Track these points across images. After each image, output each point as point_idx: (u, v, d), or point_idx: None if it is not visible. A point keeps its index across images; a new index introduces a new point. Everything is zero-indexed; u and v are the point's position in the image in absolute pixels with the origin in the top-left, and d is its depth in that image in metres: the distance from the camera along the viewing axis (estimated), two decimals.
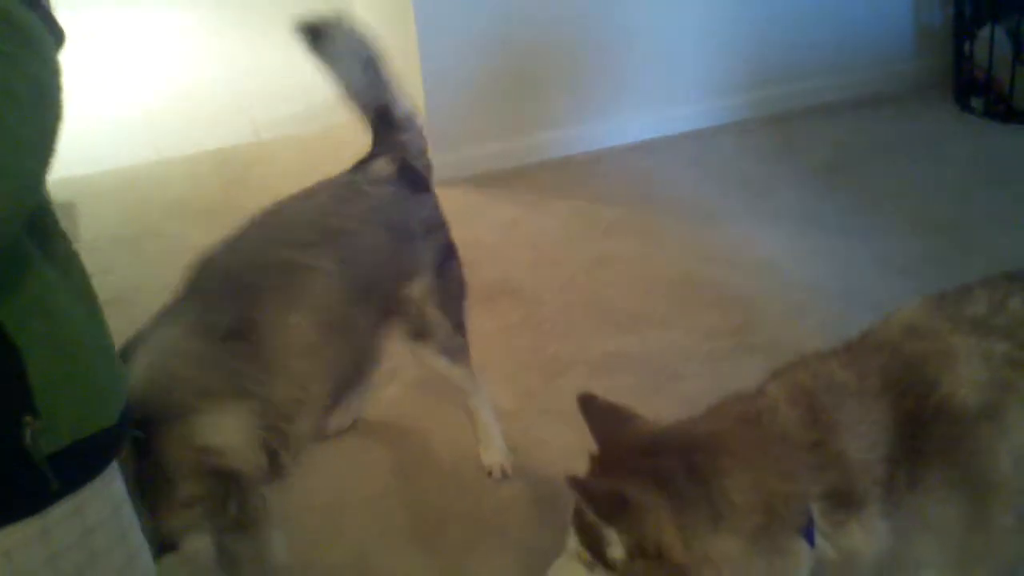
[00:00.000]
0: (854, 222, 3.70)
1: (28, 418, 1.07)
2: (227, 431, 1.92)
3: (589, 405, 1.52)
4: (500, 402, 2.85)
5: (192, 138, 4.52)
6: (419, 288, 2.38)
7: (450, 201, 4.08)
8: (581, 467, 1.49)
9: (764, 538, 1.37)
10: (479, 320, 2.81)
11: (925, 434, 1.42)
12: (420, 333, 2.44)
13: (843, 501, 1.40)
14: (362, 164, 2.45)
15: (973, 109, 4.47)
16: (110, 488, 1.22)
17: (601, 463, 1.48)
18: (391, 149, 2.45)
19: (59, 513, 1.14)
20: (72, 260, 1.20)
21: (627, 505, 1.33)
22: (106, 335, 1.24)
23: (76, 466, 1.15)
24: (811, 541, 1.39)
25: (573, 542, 1.44)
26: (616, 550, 1.37)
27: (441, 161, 4.15)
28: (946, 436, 1.42)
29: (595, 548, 1.40)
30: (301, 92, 5.21)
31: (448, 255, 2.53)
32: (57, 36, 1.10)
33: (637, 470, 1.38)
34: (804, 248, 3.56)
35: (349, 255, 2.17)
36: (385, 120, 2.47)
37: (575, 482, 1.33)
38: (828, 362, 1.48)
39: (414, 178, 2.46)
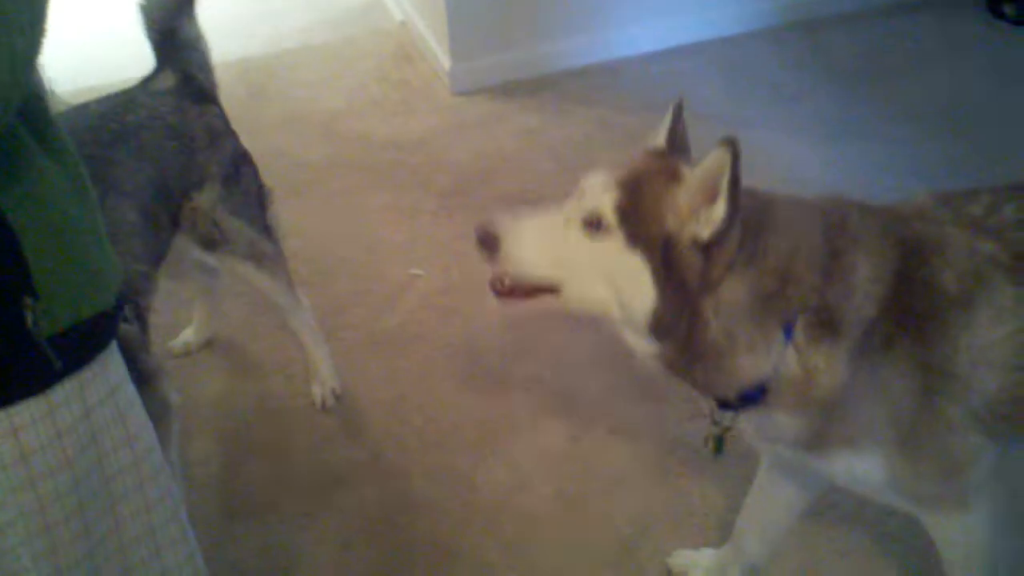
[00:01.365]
0: (882, 129, 3.65)
1: (28, 300, 1.12)
2: None
3: (678, 111, 1.59)
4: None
5: (216, 47, 4.50)
6: (207, 197, 2.38)
7: (471, 110, 4.12)
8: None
9: (762, 306, 1.44)
10: None
11: (908, 304, 1.50)
12: (213, 241, 2.43)
13: (826, 324, 1.47)
14: (145, 80, 2.43)
15: (1005, 15, 4.36)
16: (107, 370, 1.28)
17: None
18: (173, 63, 2.43)
19: (62, 393, 1.20)
20: (66, 149, 1.23)
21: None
22: (99, 222, 1.28)
23: (76, 347, 1.20)
24: (788, 335, 1.47)
25: (583, 211, 1.49)
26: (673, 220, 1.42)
27: (463, 70, 4.14)
28: (923, 313, 1.50)
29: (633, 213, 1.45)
30: (318, 2, 5.19)
31: (239, 163, 2.51)
32: None
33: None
34: (830, 155, 3.52)
35: (141, 156, 2.20)
36: (170, 39, 2.44)
37: (732, 144, 1.36)
38: (862, 214, 1.55)
39: (196, 88, 2.44)
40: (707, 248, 1.40)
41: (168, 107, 2.35)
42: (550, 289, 1.53)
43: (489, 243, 1.53)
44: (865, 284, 1.49)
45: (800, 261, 1.46)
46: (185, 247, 2.40)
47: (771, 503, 1.96)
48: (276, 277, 2.61)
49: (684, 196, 1.43)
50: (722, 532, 2.21)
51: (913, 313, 1.49)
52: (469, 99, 4.11)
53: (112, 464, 1.31)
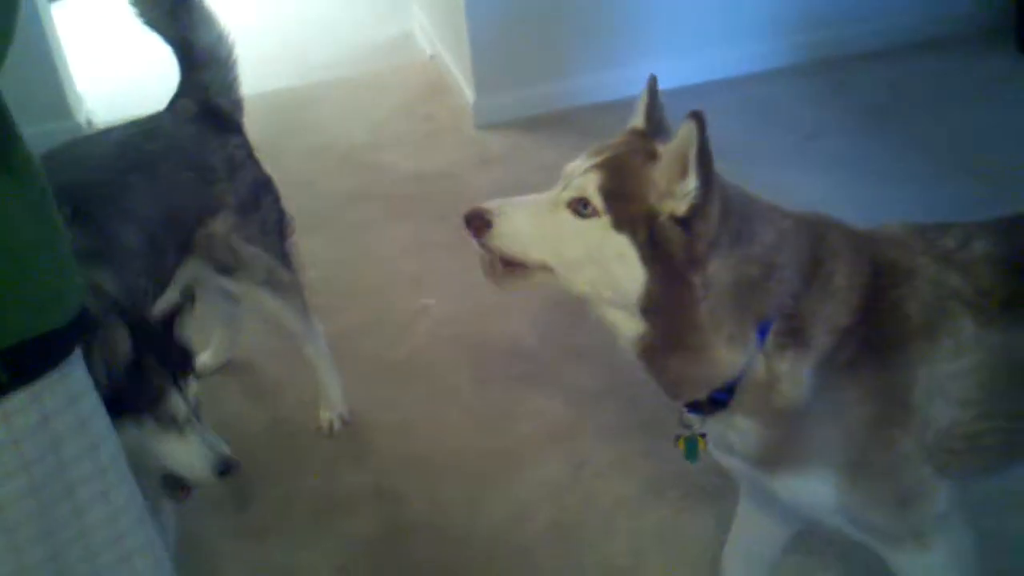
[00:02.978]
0: (905, 168, 3.63)
1: None
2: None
3: (653, 87, 1.65)
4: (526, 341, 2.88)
5: (246, 80, 4.59)
6: (222, 224, 2.43)
7: (494, 144, 4.16)
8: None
9: (745, 295, 1.47)
10: None
11: (874, 326, 1.51)
12: (228, 267, 2.49)
13: (796, 332, 1.50)
14: (170, 103, 2.49)
15: None
16: (67, 380, 1.29)
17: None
18: (193, 89, 2.48)
19: (17, 401, 1.22)
20: (28, 169, 1.25)
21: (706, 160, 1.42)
22: (58, 243, 1.30)
23: (25, 362, 1.22)
24: (761, 336, 1.49)
25: (569, 193, 1.51)
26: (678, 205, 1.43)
27: (487, 104, 4.19)
28: (886, 337, 1.51)
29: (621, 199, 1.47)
30: (351, 35, 5.28)
31: (259, 192, 2.55)
32: None
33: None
34: (852, 193, 3.50)
35: (154, 184, 2.27)
36: (187, 56, 2.49)
37: (698, 116, 1.39)
38: (845, 233, 1.59)
39: (216, 118, 2.48)
40: (687, 222, 1.42)
41: (189, 138, 2.42)
42: (542, 268, 1.55)
43: (478, 223, 1.55)
44: (841, 292, 1.51)
45: (783, 256, 1.49)
46: (201, 272, 2.45)
47: (752, 536, 1.96)
48: (291, 304, 2.66)
49: (660, 173, 1.45)
50: (717, 566, 2.19)
51: (877, 336, 1.51)
52: (492, 133, 4.16)
53: (74, 471, 1.33)
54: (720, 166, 1.59)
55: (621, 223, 1.46)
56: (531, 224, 1.55)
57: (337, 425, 2.75)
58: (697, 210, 1.42)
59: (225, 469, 1.94)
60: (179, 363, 1.96)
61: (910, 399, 1.51)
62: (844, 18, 4.36)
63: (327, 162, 4.10)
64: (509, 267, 1.58)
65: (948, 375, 1.51)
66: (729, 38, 4.30)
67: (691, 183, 1.41)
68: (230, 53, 2.54)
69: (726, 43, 4.30)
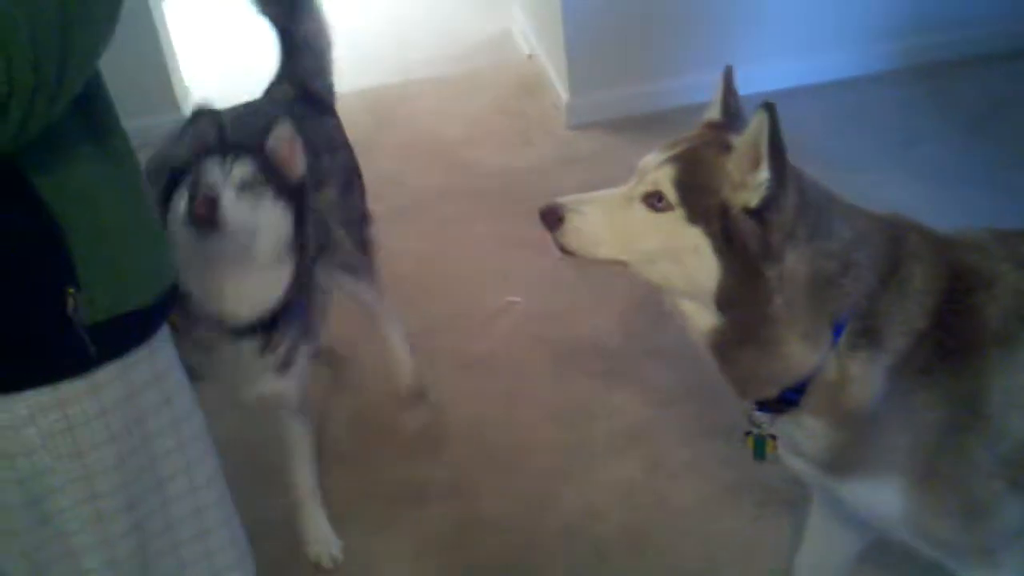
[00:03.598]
0: (1001, 177, 3.52)
1: (71, 290, 1.20)
2: None
3: (729, 78, 1.65)
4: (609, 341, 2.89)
5: (346, 78, 4.68)
6: (324, 200, 2.47)
7: (584, 143, 4.16)
8: None
9: (821, 291, 1.46)
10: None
11: (950, 331, 1.49)
12: (323, 246, 2.50)
13: (870, 333, 1.48)
14: (267, 89, 2.58)
15: None
16: (154, 357, 1.35)
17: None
18: (291, 74, 2.57)
19: (105, 374, 1.27)
20: (127, 158, 1.32)
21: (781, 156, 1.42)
22: (151, 225, 1.37)
23: (115, 337, 1.28)
24: (836, 335, 1.48)
25: (643, 187, 1.52)
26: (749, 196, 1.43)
27: (580, 103, 4.19)
28: (963, 343, 1.49)
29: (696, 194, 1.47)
30: (451, 34, 5.33)
31: (352, 176, 2.62)
32: None
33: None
34: (945, 202, 3.41)
35: None
36: (287, 43, 2.58)
37: (769, 107, 1.40)
38: (924, 236, 1.58)
39: (314, 101, 2.56)
40: (761, 214, 1.42)
41: (292, 117, 2.48)
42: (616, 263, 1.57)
43: (552, 219, 1.56)
44: (919, 295, 1.49)
45: (861, 254, 1.48)
46: None
47: (824, 545, 1.94)
48: (367, 284, 2.76)
49: (733, 165, 1.45)
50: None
51: (954, 342, 1.48)
52: (583, 132, 4.16)
53: (158, 446, 1.39)
54: (812, 171, 1.58)
55: (695, 216, 1.46)
56: (604, 219, 1.56)
57: (417, 394, 2.83)
58: (770, 201, 1.41)
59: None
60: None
61: (984, 408, 1.49)
62: (943, 24, 4.23)
63: (419, 157, 4.15)
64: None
65: None
66: (823, 43, 4.22)
67: (763, 174, 1.41)
68: (329, 42, 2.64)
69: (820, 48, 4.22)
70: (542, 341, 3.04)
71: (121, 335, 1.30)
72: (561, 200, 1.58)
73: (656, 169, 1.52)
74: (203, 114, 2.05)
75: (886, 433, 1.53)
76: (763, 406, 1.60)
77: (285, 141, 2.05)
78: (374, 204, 2.75)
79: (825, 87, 4.20)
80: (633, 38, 4.08)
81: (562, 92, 4.25)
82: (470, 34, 5.28)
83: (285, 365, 2.19)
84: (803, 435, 1.59)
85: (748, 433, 1.70)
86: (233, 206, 1.88)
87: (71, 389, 1.25)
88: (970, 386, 1.49)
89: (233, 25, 5.43)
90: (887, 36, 4.23)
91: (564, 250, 1.59)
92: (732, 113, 1.61)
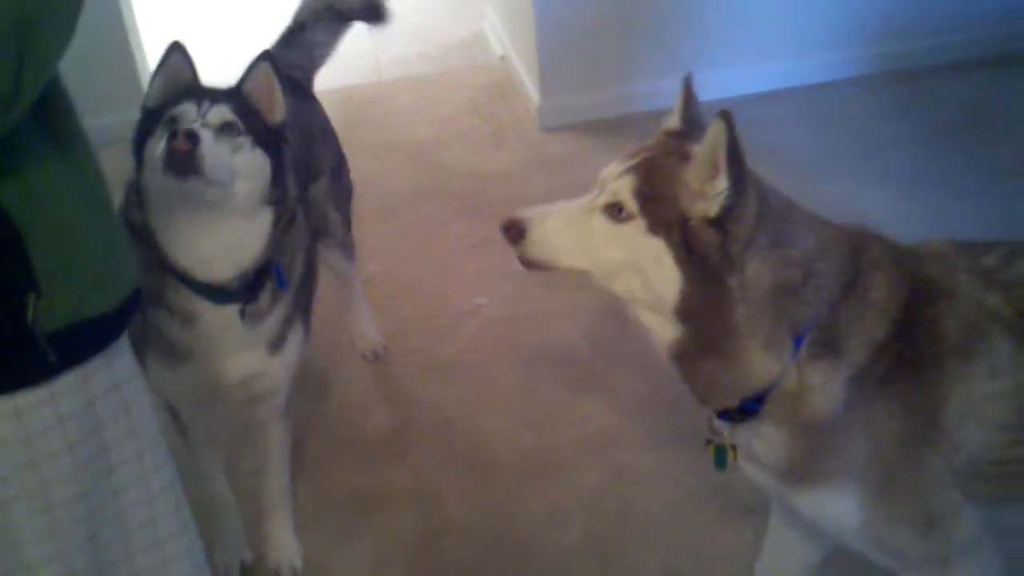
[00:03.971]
0: (972, 185, 3.54)
1: (32, 295, 1.18)
2: None
3: (689, 86, 1.66)
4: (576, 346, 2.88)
5: (320, 78, 4.65)
6: (321, 188, 2.48)
7: (556, 146, 4.14)
8: None
9: (783, 300, 1.46)
10: None
11: (910, 341, 1.50)
12: (321, 231, 2.54)
13: (830, 343, 1.48)
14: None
15: None
16: (112, 364, 1.33)
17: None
18: (280, 54, 2.50)
19: (64, 382, 1.26)
20: (87, 161, 1.30)
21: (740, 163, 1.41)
22: (112, 228, 1.35)
23: (75, 344, 1.26)
24: (796, 344, 1.48)
25: (604, 197, 1.52)
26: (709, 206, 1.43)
27: (551, 106, 4.18)
28: (922, 354, 1.49)
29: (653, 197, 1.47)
30: (424, 34, 5.31)
31: (341, 158, 2.65)
32: None
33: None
34: (915, 210, 3.42)
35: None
36: (296, 31, 2.62)
37: (726, 115, 1.39)
38: (885, 246, 1.58)
39: (296, 87, 2.50)
40: (720, 223, 1.41)
41: (291, 105, 2.45)
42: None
43: (514, 231, 1.56)
44: (879, 304, 1.49)
45: (824, 263, 1.48)
46: None
47: (783, 553, 1.94)
48: (354, 263, 2.87)
49: (692, 174, 1.44)
50: None
51: (913, 352, 1.49)
52: (555, 135, 4.15)
53: (115, 454, 1.37)
54: (782, 176, 1.57)
55: (655, 226, 1.46)
56: (565, 231, 1.56)
57: (379, 352, 2.97)
58: (729, 210, 1.41)
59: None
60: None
61: (942, 419, 1.49)
62: (918, 30, 4.24)
63: (391, 159, 4.12)
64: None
65: (983, 397, 1.48)
66: (798, 47, 4.22)
67: (722, 183, 1.40)
68: (324, 57, 2.72)
69: (794, 52, 4.22)
70: (509, 345, 3.02)
71: (81, 342, 1.28)
72: (522, 213, 1.58)
73: (616, 179, 1.51)
74: (176, 49, 1.94)
75: (844, 443, 1.53)
76: (724, 415, 1.60)
77: (263, 82, 1.94)
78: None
79: (797, 91, 4.21)
80: (605, 41, 4.07)
81: (533, 94, 4.23)
82: (443, 34, 5.26)
83: (277, 341, 2.07)
84: (762, 444, 1.59)
85: (709, 441, 1.70)
86: (211, 149, 1.76)
87: (28, 398, 1.23)
88: (928, 397, 1.50)
89: (203, 17, 5.41)
90: (860, 41, 4.23)
91: (526, 262, 1.59)
92: (691, 121, 1.61)
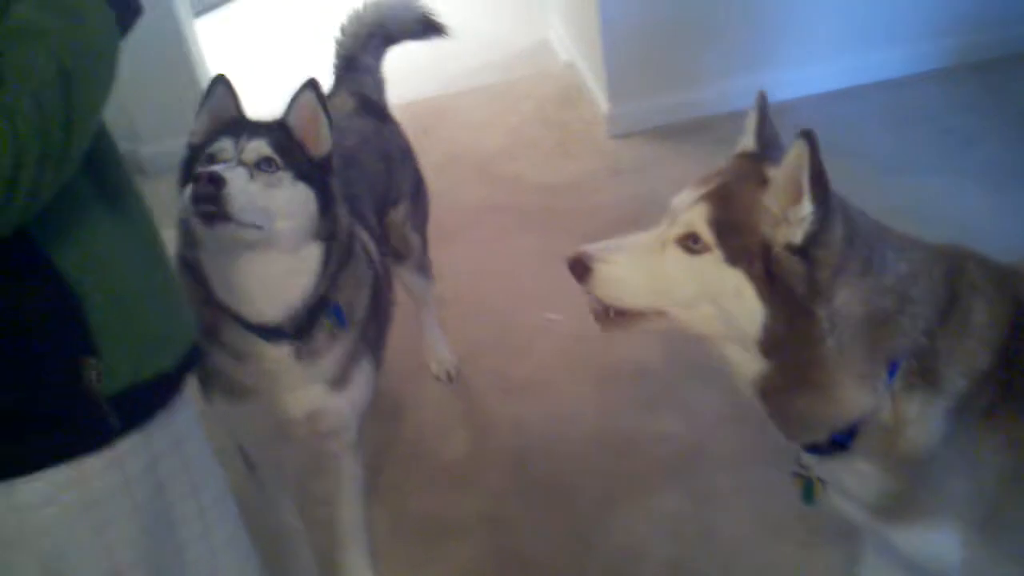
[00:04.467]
0: None
1: (90, 360, 1.17)
2: None
3: (763, 105, 1.54)
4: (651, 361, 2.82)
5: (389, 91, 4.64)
6: (401, 213, 2.46)
7: (627, 153, 4.07)
8: None
9: (876, 330, 1.37)
10: None
11: (1017, 370, 1.40)
12: (402, 254, 2.54)
13: (928, 373, 1.39)
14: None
15: None
16: (174, 421, 1.32)
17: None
18: (347, 85, 2.55)
19: (128, 444, 1.24)
20: (142, 217, 1.29)
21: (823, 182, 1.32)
22: (169, 288, 1.34)
23: (137, 405, 1.24)
24: (890, 375, 1.39)
25: (676, 229, 1.43)
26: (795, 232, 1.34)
27: (621, 112, 4.10)
28: None
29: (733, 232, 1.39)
30: (489, 44, 5.26)
31: (419, 179, 2.62)
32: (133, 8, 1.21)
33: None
34: (1004, 204, 3.27)
35: (364, 179, 2.32)
36: (349, 65, 2.60)
37: (808, 135, 1.30)
38: (985, 266, 1.48)
39: (375, 109, 2.53)
40: (806, 251, 1.33)
41: (371, 129, 2.47)
42: (655, 314, 1.48)
43: (580, 270, 1.47)
44: (981, 331, 1.39)
45: (918, 288, 1.39)
46: None
47: None
48: (432, 283, 2.85)
49: (772, 199, 1.36)
50: None
51: (1019, 381, 1.39)
52: (626, 142, 4.07)
53: (178, 510, 1.36)
54: (863, 177, 1.46)
55: (735, 257, 1.37)
56: (636, 268, 1.47)
57: (452, 373, 2.94)
58: (815, 237, 1.32)
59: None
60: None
61: None
62: (999, 19, 4.06)
63: (460, 172, 4.08)
64: (619, 313, 1.51)
65: None
66: (871, 41, 4.06)
67: (806, 208, 1.31)
68: (383, 76, 2.71)
69: (868, 46, 4.06)
70: (583, 363, 2.96)
71: (142, 403, 1.26)
72: (589, 248, 1.49)
73: (689, 209, 1.43)
74: (219, 82, 1.91)
75: (945, 479, 1.44)
76: (812, 448, 1.52)
77: (307, 112, 1.87)
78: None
79: (874, 87, 4.07)
80: (672, 45, 3.97)
81: (602, 101, 4.16)
82: (508, 43, 5.22)
83: (341, 378, 2.01)
84: (854, 479, 1.50)
85: (796, 474, 1.62)
86: (242, 190, 1.69)
87: (92, 464, 1.21)
88: None
89: (268, 44, 5.44)
90: (938, 33, 4.06)
91: (597, 303, 1.51)
92: (767, 142, 1.51)
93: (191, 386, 1.41)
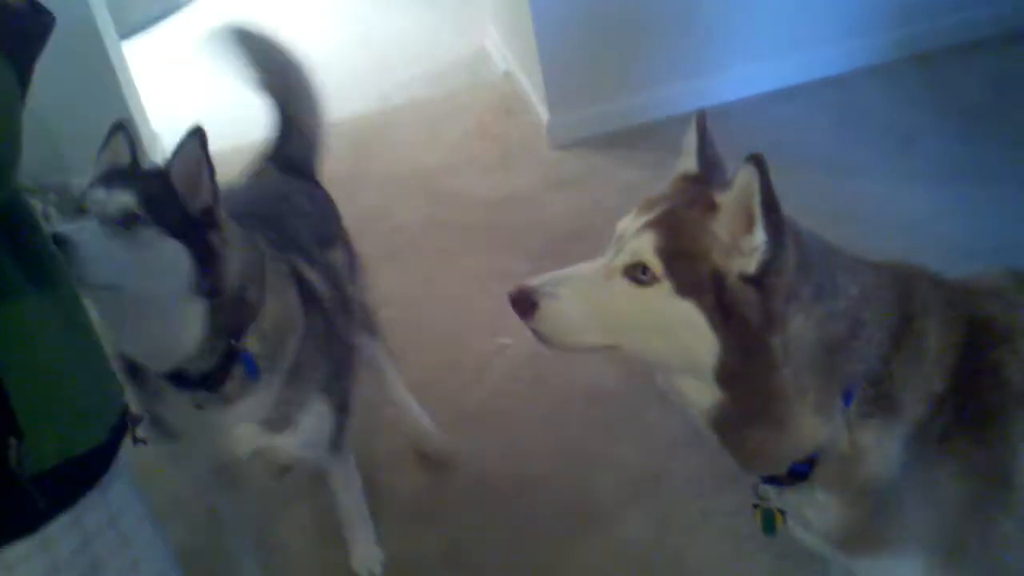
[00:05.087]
0: (1009, 171, 3.36)
1: (12, 440, 1.09)
2: None
3: (702, 125, 1.47)
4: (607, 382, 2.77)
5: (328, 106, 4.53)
6: (335, 260, 2.38)
7: (570, 164, 4.01)
8: None
9: (830, 357, 1.33)
10: None
11: (969, 392, 1.37)
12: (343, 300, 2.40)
13: (882, 399, 1.35)
14: (255, 169, 2.51)
15: None
16: (107, 496, 1.24)
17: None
18: (279, 151, 2.51)
19: (57, 527, 1.16)
20: (63, 283, 1.22)
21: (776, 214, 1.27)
22: (96, 361, 1.26)
23: (65, 484, 1.17)
24: (846, 403, 1.35)
25: (623, 258, 1.36)
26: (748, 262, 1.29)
27: (561, 122, 4.05)
28: (984, 406, 1.36)
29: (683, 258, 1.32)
30: (427, 53, 5.19)
31: (347, 237, 2.54)
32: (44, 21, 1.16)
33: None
34: (952, 202, 3.26)
35: (299, 216, 2.32)
36: (283, 123, 2.52)
37: (757, 160, 1.24)
38: (935, 285, 1.45)
39: (305, 174, 2.52)
40: (759, 280, 1.27)
41: (295, 186, 2.45)
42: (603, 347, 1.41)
43: (524, 306, 1.40)
44: (934, 354, 1.35)
45: (871, 312, 1.34)
46: None
47: None
48: (381, 346, 2.67)
49: (722, 227, 1.30)
50: None
51: (974, 404, 1.35)
52: (568, 153, 4.02)
53: None
54: (808, 176, 1.41)
55: (685, 287, 1.31)
56: (583, 301, 1.39)
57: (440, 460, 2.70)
58: (769, 265, 1.26)
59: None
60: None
61: (1011, 476, 1.36)
62: (935, 9, 4.07)
63: (402, 190, 4.01)
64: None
65: None
66: (808, 40, 4.05)
67: (759, 237, 1.26)
68: (322, 135, 2.58)
69: (805, 45, 4.05)
70: (538, 386, 2.89)
71: (71, 481, 1.19)
72: (532, 283, 1.41)
73: (635, 237, 1.36)
74: (117, 130, 1.85)
75: (905, 508, 1.40)
76: (770, 479, 1.47)
77: (190, 162, 1.77)
78: (357, 243, 2.60)
79: (813, 85, 4.07)
80: (610, 50, 3.92)
81: (542, 111, 4.10)
82: (446, 53, 5.15)
83: (279, 421, 1.96)
84: (814, 510, 1.46)
85: (756, 506, 1.57)
86: (93, 251, 1.60)
87: (18, 551, 1.14)
88: (994, 454, 1.37)
89: (202, 66, 5.30)
90: (874, 28, 4.07)
91: (542, 339, 1.44)
92: (710, 164, 1.45)
93: (127, 450, 1.32)
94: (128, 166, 1.82)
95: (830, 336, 1.32)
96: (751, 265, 1.27)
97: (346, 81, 4.92)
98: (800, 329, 1.30)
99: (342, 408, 2.16)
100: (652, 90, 3.97)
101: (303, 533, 2.58)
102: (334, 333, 2.15)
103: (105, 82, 4.02)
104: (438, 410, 2.84)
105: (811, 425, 1.34)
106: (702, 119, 1.48)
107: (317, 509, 2.60)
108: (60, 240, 1.54)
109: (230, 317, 1.83)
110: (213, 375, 1.83)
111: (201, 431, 1.92)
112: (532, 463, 2.65)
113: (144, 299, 1.71)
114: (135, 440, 1.42)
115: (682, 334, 1.32)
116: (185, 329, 1.77)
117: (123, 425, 1.30)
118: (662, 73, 3.95)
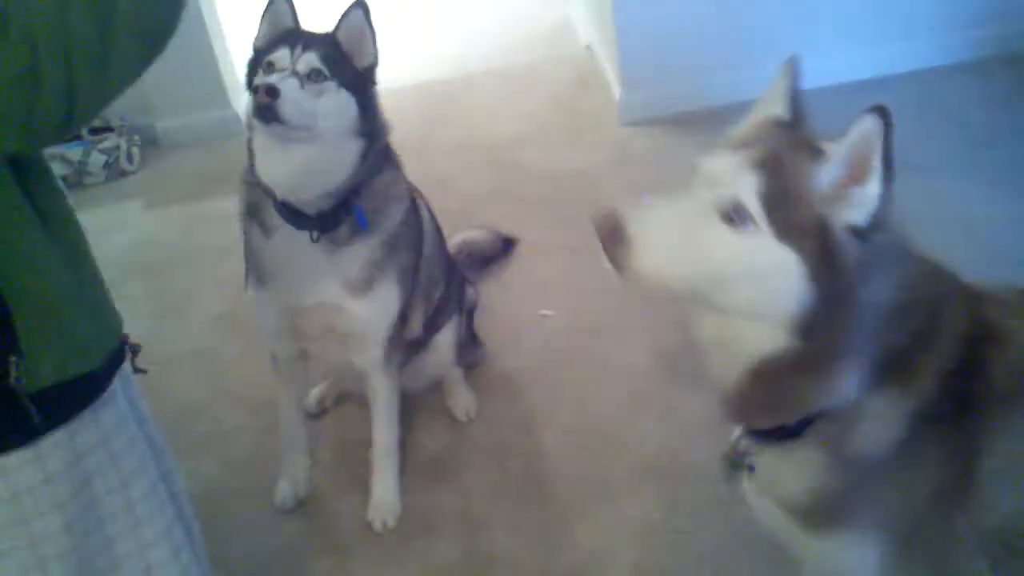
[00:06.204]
0: None
1: (14, 359, 1.20)
2: None
3: (795, 71, 1.44)
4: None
5: (403, 71, 4.58)
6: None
7: (637, 142, 4.00)
8: None
9: (887, 323, 1.32)
10: None
11: (960, 384, 1.36)
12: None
13: (901, 371, 1.34)
14: None
15: None
16: (99, 419, 1.34)
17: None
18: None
19: (51, 441, 1.27)
20: (68, 221, 1.32)
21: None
22: (95, 290, 1.37)
23: (60, 403, 1.27)
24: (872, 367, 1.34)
25: (719, 198, 1.29)
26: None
27: (633, 99, 4.03)
28: (968, 398, 1.36)
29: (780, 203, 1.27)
30: (510, 24, 5.20)
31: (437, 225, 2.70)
32: None
33: None
34: (1017, 212, 3.16)
35: None
36: None
37: (883, 111, 1.25)
38: (959, 281, 1.44)
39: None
40: (865, 233, 1.24)
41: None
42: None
43: (613, 238, 1.31)
44: (948, 340, 1.35)
45: (924, 290, 1.34)
46: None
47: None
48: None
49: (828, 175, 1.25)
50: None
51: (961, 394, 1.35)
52: (637, 130, 4.00)
53: (105, 506, 1.38)
54: None
55: (786, 233, 1.25)
56: (678, 237, 1.31)
57: (470, 414, 2.79)
58: (878, 220, 1.23)
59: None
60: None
61: (975, 472, 1.35)
62: None
63: (471, 158, 4.04)
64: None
65: (1017, 454, 1.34)
66: (893, 32, 3.95)
67: (873, 188, 1.22)
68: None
69: (890, 37, 3.95)
70: (571, 359, 2.91)
71: (66, 401, 1.29)
72: (622, 210, 1.33)
73: (734, 177, 1.28)
74: None
75: (879, 488, 1.40)
76: (758, 433, 1.46)
77: (355, 29, 2.13)
78: None
79: (899, 77, 3.95)
80: (688, 30, 3.87)
81: (615, 87, 4.08)
82: (529, 23, 5.15)
83: (361, 283, 2.23)
84: (789, 470, 1.44)
85: (726, 457, 1.59)
86: (293, 99, 1.99)
87: (14, 459, 1.25)
88: (966, 444, 1.36)
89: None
90: (964, 24, 3.93)
91: (622, 272, 1.33)
92: (799, 111, 1.40)
93: (121, 382, 1.41)
94: (297, 28, 2.15)
95: (897, 301, 1.30)
96: (863, 217, 1.23)
97: (423, 47, 4.97)
98: (878, 290, 1.28)
99: (403, 313, 2.38)
100: (725, 74, 3.89)
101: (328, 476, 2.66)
102: (422, 252, 2.45)
103: (191, 30, 4.13)
104: (469, 372, 2.89)
105: (847, 382, 1.31)
106: (795, 64, 1.43)
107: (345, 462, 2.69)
108: (272, 90, 1.96)
109: (372, 164, 2.18)
110: (329, 217, 2.14)
111: (291, 280, 2.23)
112: (552, 434, 2.68)
113: (321, 136, 2.06)
114: (135, 369, 1.51)
115: (773, 280, 1.27)
116: (339, 163, 2.12)
117: (120, 355, 1.40)
118: (737, 58, 3.88)
